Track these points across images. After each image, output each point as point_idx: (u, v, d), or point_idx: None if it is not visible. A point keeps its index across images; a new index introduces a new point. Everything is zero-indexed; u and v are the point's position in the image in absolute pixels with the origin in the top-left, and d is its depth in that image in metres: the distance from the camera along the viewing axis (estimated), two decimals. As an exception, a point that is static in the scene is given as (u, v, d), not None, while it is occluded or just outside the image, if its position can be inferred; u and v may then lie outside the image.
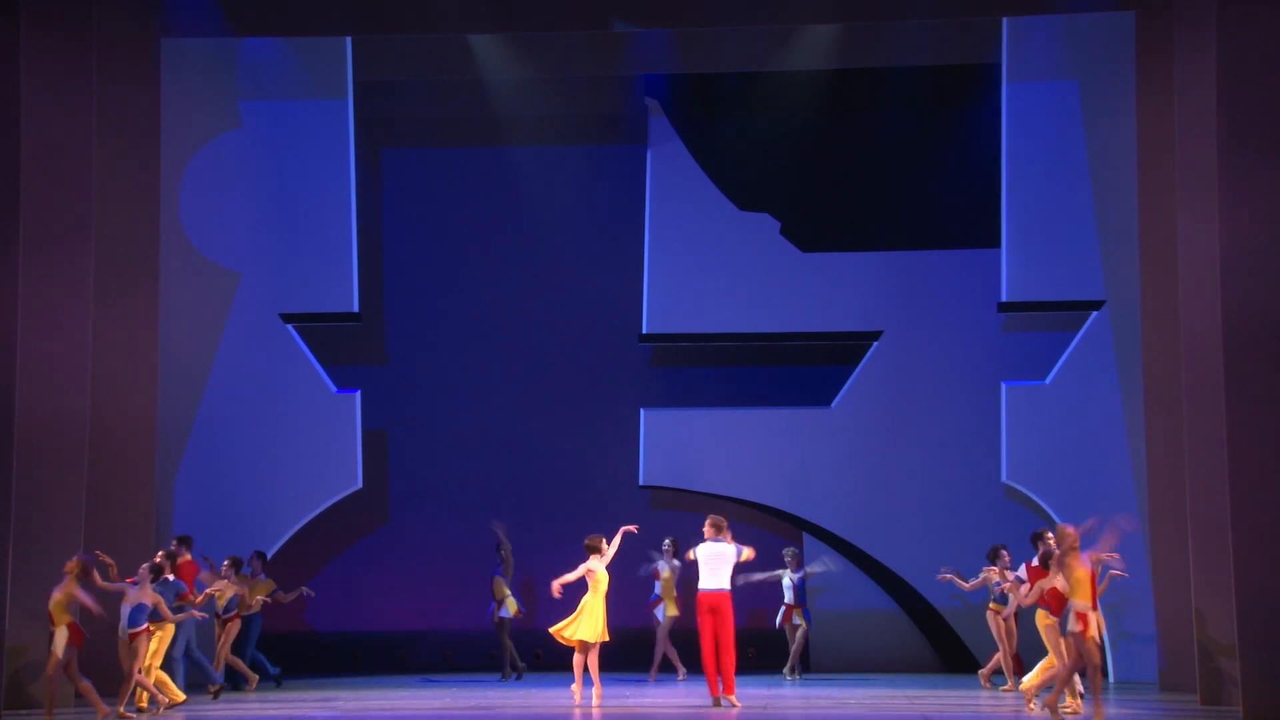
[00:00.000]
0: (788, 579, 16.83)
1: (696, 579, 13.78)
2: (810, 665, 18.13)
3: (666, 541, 16.81)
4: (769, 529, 18.47)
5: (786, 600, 16.82)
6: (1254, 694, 12.45)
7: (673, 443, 18.29)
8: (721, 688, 13.46)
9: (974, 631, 17.10)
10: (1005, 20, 17.24)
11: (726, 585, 13.60)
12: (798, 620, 16.81)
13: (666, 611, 16.66)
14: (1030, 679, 13.69)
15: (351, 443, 17.66)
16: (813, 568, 17.17)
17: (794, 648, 16.87)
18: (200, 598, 15.07)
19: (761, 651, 17.71)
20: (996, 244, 17.51)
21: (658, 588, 16.81)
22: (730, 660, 13.49)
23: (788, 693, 15.42)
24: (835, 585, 17.93)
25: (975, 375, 17.91)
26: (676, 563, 16.72)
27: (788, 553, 16.94)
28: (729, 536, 13.81)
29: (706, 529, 13.74)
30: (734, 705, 13.36)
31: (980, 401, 17.71)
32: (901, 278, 18.30)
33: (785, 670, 16.90)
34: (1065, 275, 17.18)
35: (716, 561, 13.58)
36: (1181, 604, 14.98)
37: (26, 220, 13.79)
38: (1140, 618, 16.30)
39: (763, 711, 13.52)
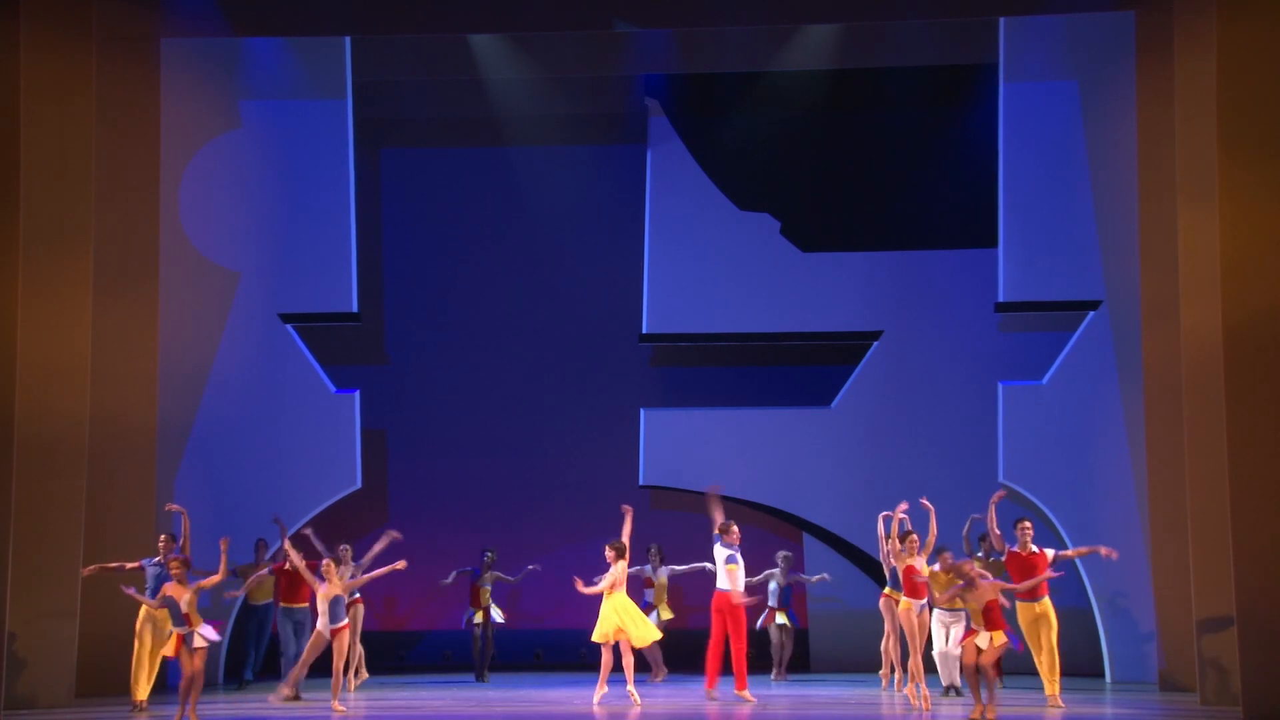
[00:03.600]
0: (774, 583, 16.81)
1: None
2: (810, 665, 18.15)
3: (653, 548, 16.81)
4: (769, 529, 18.50)
5: (770, 604, 16.81)
6: (1254, 694, 12.47)
7: (673, 443, 18.29)
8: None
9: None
10: (1002, 20, 17.25)
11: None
12: (782, 621, 16.79)
13: (661, 616, 16.62)
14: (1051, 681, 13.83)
15: (351, 443, 17.64)
16: (816, 578, 17.27)
17: (782, 651, 16.86)
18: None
19: (760, 653, 17.69)
20: (994, 244, 17.51)
21: (649, 595, 16.78)
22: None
23: (787, 693, 15.43)
24: (835, 586, 17.94)
25: (974, 375, 17.90)
26: (665, 569, 16.72)
27: (782, 556, 16.92)
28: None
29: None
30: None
31: (978, 402, 17.70)
32: (901, 278, 18.30)
33: (773, 675, 16.88)
34: (1062, 275, 17.17)
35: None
36: (1181, 604, 14.98)
37: (26, 220, 13.80)
38: (1140, 618, 16.31)
39: (762, 711, 13.54)
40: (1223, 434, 12.91)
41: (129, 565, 14.33)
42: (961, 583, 12.73)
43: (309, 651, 13.71)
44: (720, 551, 14.48)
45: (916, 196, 18.69)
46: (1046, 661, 14.00)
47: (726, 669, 14.49)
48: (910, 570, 14.16)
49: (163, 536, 14.64)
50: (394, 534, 15.04)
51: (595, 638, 14.04)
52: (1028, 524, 14.26)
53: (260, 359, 17.56)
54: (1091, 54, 17.08)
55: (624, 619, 13.94)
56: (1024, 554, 14.08)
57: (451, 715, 13.41)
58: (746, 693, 14.28)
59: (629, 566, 15.50)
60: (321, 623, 13.56)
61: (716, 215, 18.51)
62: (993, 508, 14.32)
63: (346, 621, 13.77)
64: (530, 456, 19.25)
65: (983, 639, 12.42)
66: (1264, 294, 12.80)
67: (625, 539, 14.24)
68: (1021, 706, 13.73)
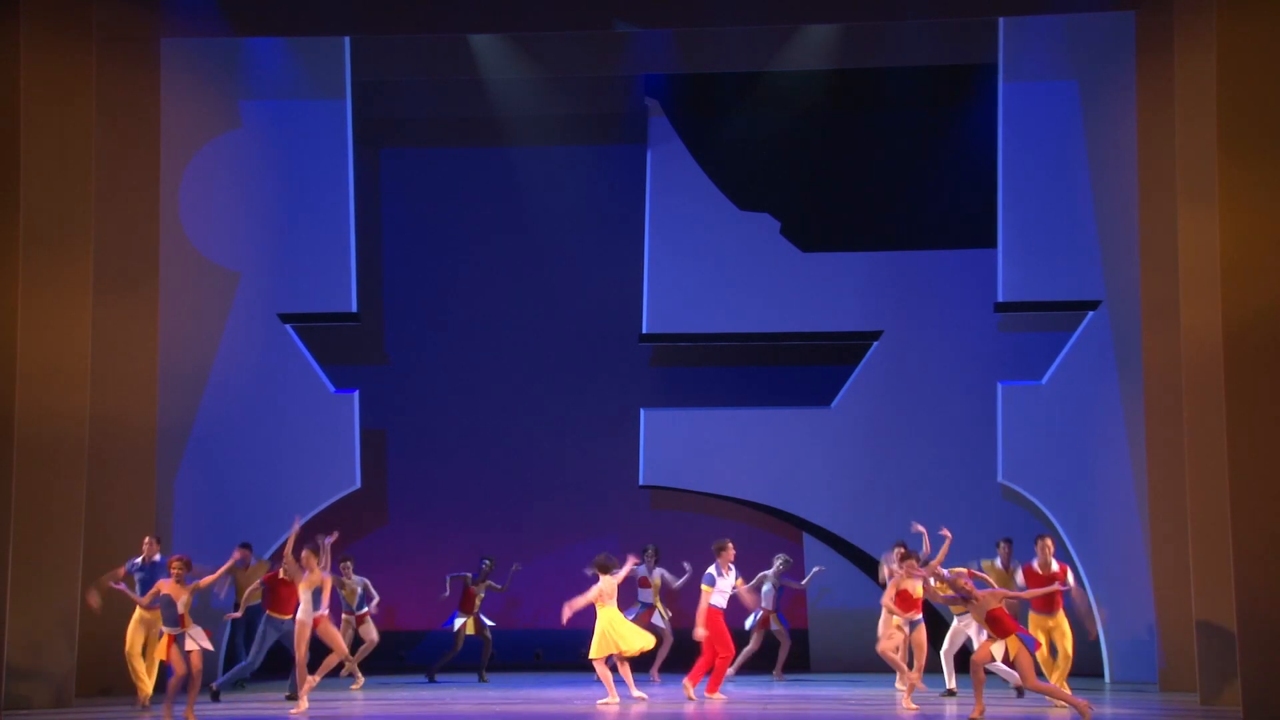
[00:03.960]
0: (767, 585, 16.81)
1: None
2: (810, 665, 18.15)
3: (649, 549, 16.80)
4: (769, 529, 18.49)
5: (765, 606, 16.78)
6: (1254, 694, 12.46)
7: (673, 443, 18.29)
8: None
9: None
10: (1001, 20, 17.24)
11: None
12: (775, 625, 16.80)
13: (663, 615, 16.61)
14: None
15: (350, 443, 17.64)
16: (809, 575, 17.36)
17: (778, 650, 16.95)
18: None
19: (761, 653, 17.69)
20: (994, 244, 17.50)
21: (647, 595, 16.74)
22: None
23: (787, 693, 15.43)
24: (836, 586, 17.96)
25: (974, 375, 17.91)
26: (659, 569, 16.72)
27: (781, 559, 16.89)
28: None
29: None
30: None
31: (978, 402, 17.71)
32: (901, 278, 18.31)
33: (774, 673, 16.96)
34: (1061, 275, 17.17)
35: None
36: (1181, 604, 14.99)
37: (26, 220, 13.79)
38: (1140, 618, 16.31)
39: (762, 711, 13.55)
40: (1223, 434, 12.90)
41: (120, 573, 14.30)
42: (956, 595, 12.72)
43: (298, 646, 13.76)
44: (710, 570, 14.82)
45: (916, 196, 18.69)
46: (1061, 667, 14.04)
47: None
48: (904, 593, 14.12)
49: (147, 539, 14.72)
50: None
51: (592, 655, 14.28)
52: (1049, 541, 14.33)
53: (260, 359, 17.55)
54: (1091, 54, 17.07)
55: (616, 634, 14.19)
56: (1044, 573, 14.07)
57: (451, 715, 13.40)
58: (717, 691, 14.64)
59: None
60: (304, 610, 13.67)
61: (716, 215, 18.51)
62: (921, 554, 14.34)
63: (325, 611, 13.93)
64: (530, 456, 19.24)
65: (998, 648, 12.39)
66: (1264, 294, 12.78)
67: (623, 573, 14.53)
68: (1022, 706, 13.75)
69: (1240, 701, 12.73)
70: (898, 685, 14.96)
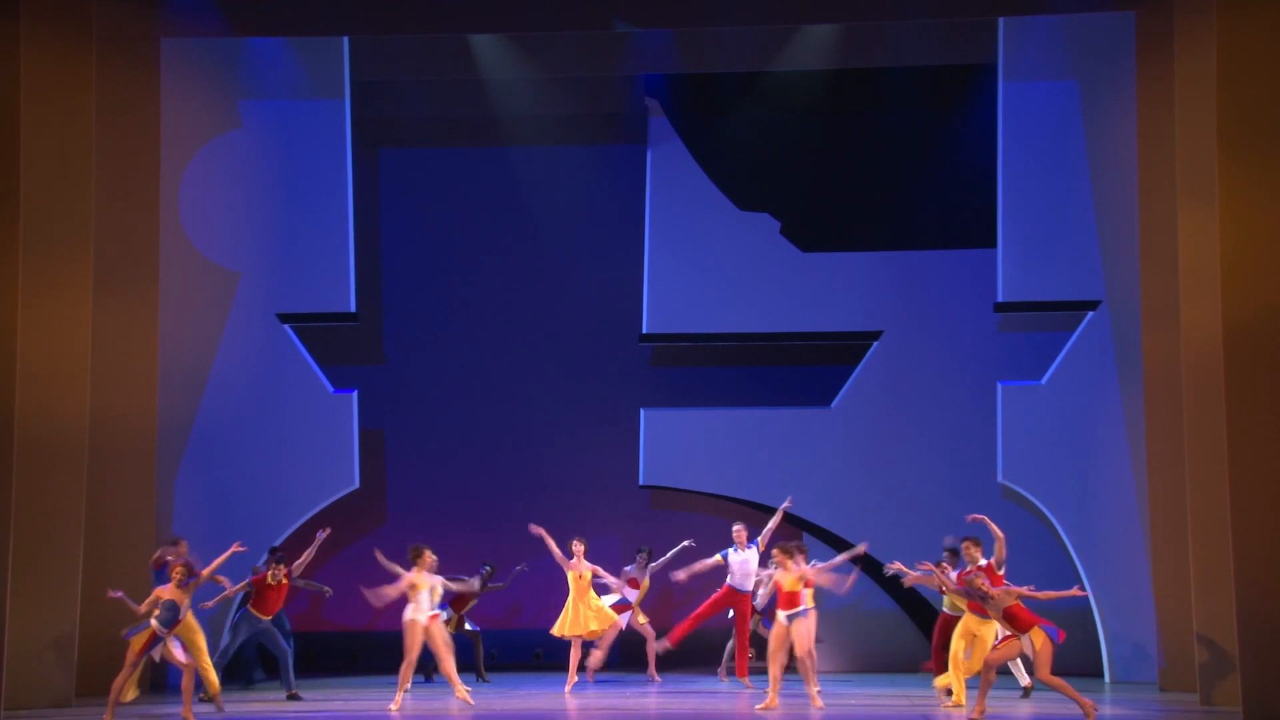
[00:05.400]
0: (763, 589, 16.77)
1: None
2: (810, 665, 18.14)
3: (644, 552, 16.79)
4: (768, 529, 18.48)
5: (756, 607, 16.77)
6: (1254, 694, 12.49)
7: (673, 443, 18.30)
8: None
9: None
10: (1001, 20, 17.25)
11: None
12: (758, 628, 16.79)
13: (638, 619, 16.55)
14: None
15: (349, 442, 17.63)
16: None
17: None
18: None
19: (760, 653, 17.69)
20: (994, 244, 17.51)
21: (632, 596, 16.72)
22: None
23: (786, 692, 15.40)
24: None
25: (974, 375, 17.93)
26: (647, 572, 16.73)
27: (774, 562, 16.91)
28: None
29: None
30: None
31: (978, 402, 17.73)
32: (901, 278, 18.33)
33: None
34: (1061, 275, 17.19)
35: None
36: (1181, 604, 15.00)
37: (26, 220, 13.79)
38: (1140, 618, 16.31)
39: (763, 711, 13.53)
40: (1223, 434, 12.92)
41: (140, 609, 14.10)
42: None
43: (410, 647, 13.60)
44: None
45: (916, 196, 18.70)
46: (967, 669, 13.89)
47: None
48: (777, 585, 13.79)
49: (161, 552, 14.57)
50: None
51: (571, 633, 15.52)
52: (968, 544, 14.48)
53: (259, 359, 17.55)
54: (1091, 54, 17.08)
55: (585, 613, 15.47)
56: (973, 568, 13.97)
57: (451, 715, 13.39)
58: (725, 678, 15.93)
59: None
60: (416, 609, 13.66)
61: (716, 215, 18.51)
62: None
63: (437, 612, 13.83)
64: (530, 457, 19.22)
65: (1026, 643, 12.35)
66: (1264, 294, 12.81)
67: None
68: (1024, 706, 13.75)
69: (1240, 701, 12.74)
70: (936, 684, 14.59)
